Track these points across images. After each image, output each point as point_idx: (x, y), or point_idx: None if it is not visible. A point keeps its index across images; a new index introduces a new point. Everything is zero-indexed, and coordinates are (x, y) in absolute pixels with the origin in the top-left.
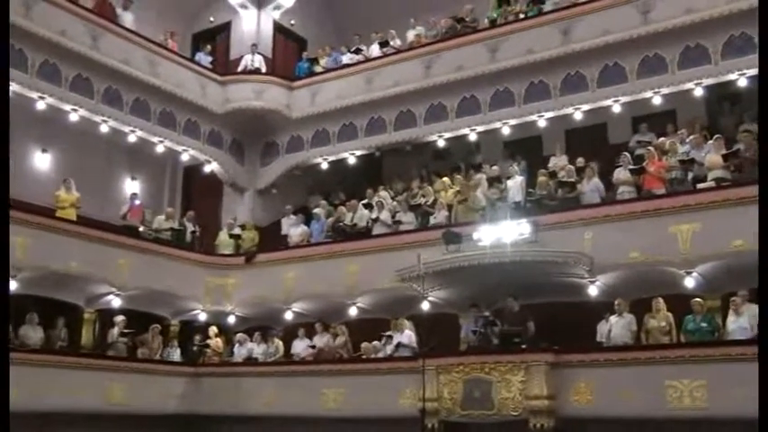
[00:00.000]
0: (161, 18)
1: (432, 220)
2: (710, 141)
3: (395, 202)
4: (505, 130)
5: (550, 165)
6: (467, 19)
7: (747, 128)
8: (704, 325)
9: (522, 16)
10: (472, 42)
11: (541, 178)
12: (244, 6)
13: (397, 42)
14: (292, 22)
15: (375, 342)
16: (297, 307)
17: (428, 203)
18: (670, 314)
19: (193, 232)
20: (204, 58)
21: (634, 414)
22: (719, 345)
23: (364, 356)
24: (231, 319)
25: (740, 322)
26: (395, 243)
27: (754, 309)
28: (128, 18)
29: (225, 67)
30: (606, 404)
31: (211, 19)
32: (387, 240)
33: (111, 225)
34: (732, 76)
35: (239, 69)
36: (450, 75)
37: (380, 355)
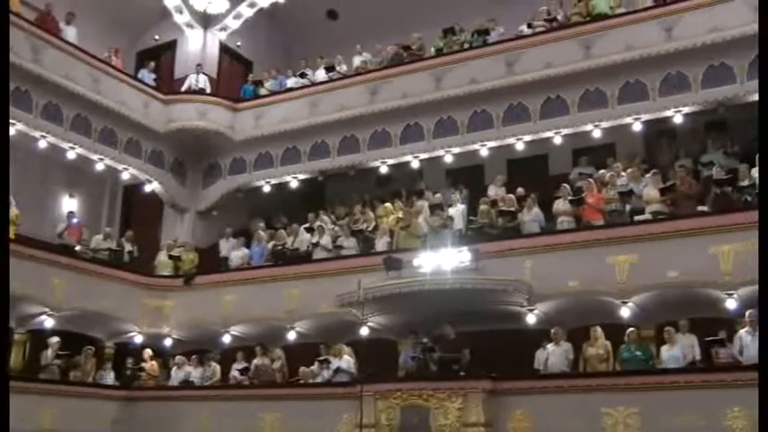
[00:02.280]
0: (105, 34)
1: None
2: (648, 175)
3: (336, 227)
4: (448, 159)
5: (492, 193)
6: (413, 47)
7: (683, 163)
8: (639, 354)
9: (467, 46)
10: (418, 70)
11: (483, 207)
12: (190, 26)
13: (342, 68)
14: (238, 43)
15: (313, 367)
16: (235, 330)
17: (370, 229)
18: (608, 342)
19: (131, 252)
20: (147, 75)
21: None
22: (653, 373)
23: (302, 381)
24: (168, 342)
25: (673, 351)
26: (335, 268)
27: (688, 339)
28: (71, 33)
29: (169, 86)
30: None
31: (156, 37)
32: (327, 265)
33: (46, 243)
34: (669, 113)
35: (183, 89)
36: (395, 102)
37: (318, 380)
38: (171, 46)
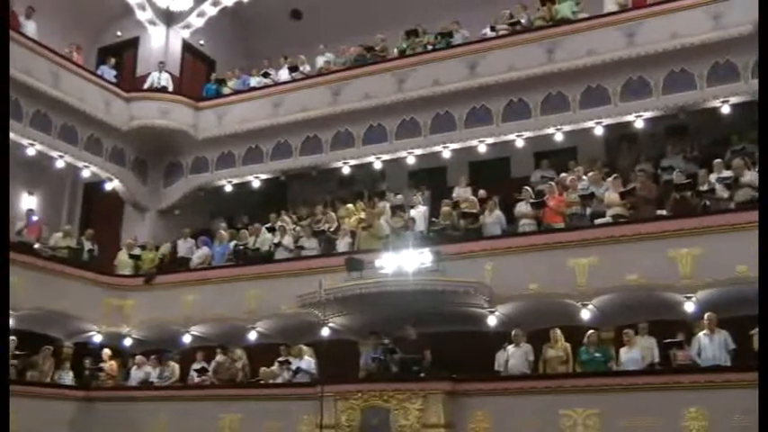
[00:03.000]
0: (66, 30)
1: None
2: (609, 179)
3: (298, 228)
4: (410, 160)
5: (454, 195)
6: (376, 48)
7: (644, 167)
8: (598, 356)
9: (430, 48)
10: (381, 72)
11: (445, 208)
12: (153, 23)
13: (306, 68)
14: (202, 42)
15: (274, 367)
16: (196, 330)
17: (332, 230)
18: (568, 344)
19: (91, 251)
20: (108, 71)
21: None
22: (612, 375)
23: (262, 381)
24: (128, 342)
25: (632, 354)
26: (297, 268)
27: (647, 341)
28: (31, 27)
29: (131, 83)
30: None
31: (119, 33)
32: (289, 265)
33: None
34: (630, 118)
35: (145, 87)
36: (358, 103)
37: (279, 380)
38: (133, 43)
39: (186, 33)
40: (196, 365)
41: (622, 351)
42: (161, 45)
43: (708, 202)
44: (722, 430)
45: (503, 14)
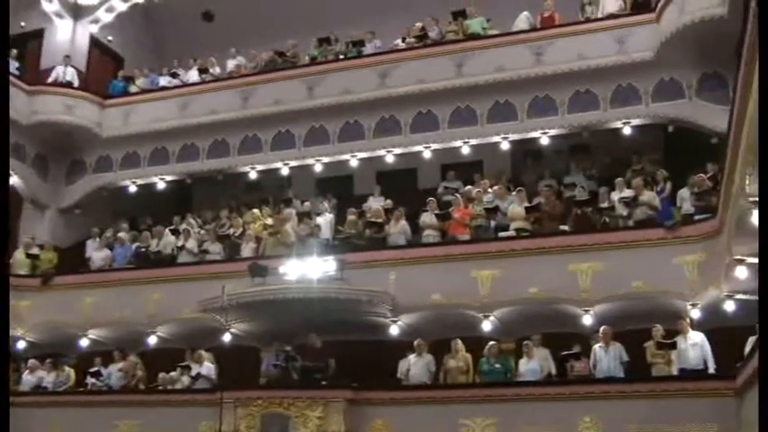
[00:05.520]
0: None
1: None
2: (513, 193)
3: (203, 231)
4: (318, 167)
5: (366, 205)
6: (288, 54)
7: (548, 183)
8: (498, 366)
9: (341, 57)
10: (291, 78)
11: (351, 217)
12: (59, 15)
13: (216, 70)
14: (110, 38)
15: (173, 373)
16: (94, 334)
17: (236, 235)
18: (468, 355)
19: None
20: (11, 63)
21: None
22: (511, 385)
23: (161, 387)
24: (21, 345)
25: (531, 365)
26: (200, 273)
27: (541, 352)
28: None
29: (34, 76)
30: None
31: (23, 24)
32: (192, 269)
33: None
34: (535, 134)
35: (50, 81)
36: (267, 108)
37: (178, 386)
38: (38, 35)
39: (94, 28)
40: (91, 369)
41: (522, 362)
42: (67, 39)
43: (608, 219)
44: None
45: (415, 27)
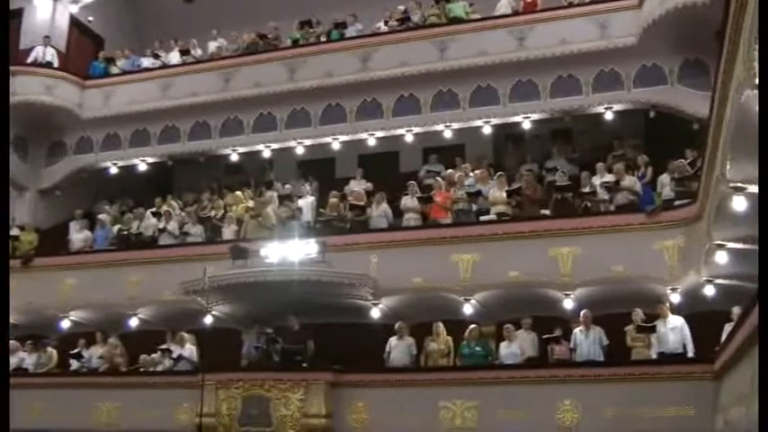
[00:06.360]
0: None
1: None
2: (494, 178)
3: (183, 213)
4: (300, 150)
5: (348, 187)
6: (269, 36)
7: (529, 167)
8: (478, 350)
9: (323, 39)
10: (273, 60)
11: (332, 200)
12: None
13: (197, 52)
14: (90, 18)
15: (155, 355)
16: (75, 315)
17: (218, 217)
18: (450, 338)
19: None
20: None
21: None
22: (491, 368)
23: (143, 369)
24: None
25: (512, 348)
26: (181, 255)
27: (529, 336)
28: None
29: (13, 56)
30: (382, 424)
31: None
32: (173, 251)
33: None
34: (517, 119)
35: (29, 61)
36: (249, 90)
37: (160, 368)
38: (17, 14)
39: (74, 8)
40: (72, 351)
41: (502, 345)
42: (47, 18)
43: (589, 204)
44: (593, 421)
45: (397, 10)
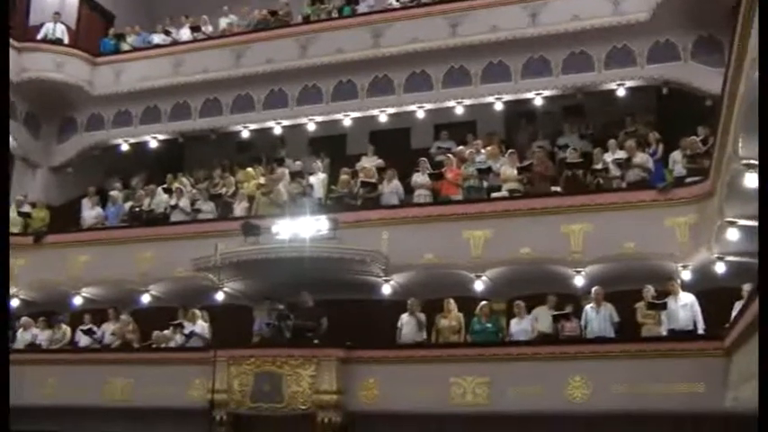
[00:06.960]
0: None
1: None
2: (506, 154)
3: (195, 190)
4: (311, 127)
5: (359, 164)
6: (280, 13)
7: (540, 144)
8: (489, 326)
9: (335, 15)
10: (284, 36)
11: (344, 177)
12: None
13: (208, 29)
14: None
15: (167, 331)
16: (87, 292)
17: (229, 194)
18: (461, 314)
19: None
20: None
21: (418, 409)
22: (502, 345)
23: (155, 345)
24: (15, 303)
25: (523, 325)
26: (193, 231)
27: (546, 314)
28: None
29: (23, 33)
30: (393, 400)
31: None
32: (185, 228)
33: None
34: (529, 95)
35: (39, 38)
36: (260, 67)
37: (172, 344)
38: None
39: None
40: (83, 326)
41: (513, 322)
42: None
43: (601, 181)
44: (603, 397)
45: None
